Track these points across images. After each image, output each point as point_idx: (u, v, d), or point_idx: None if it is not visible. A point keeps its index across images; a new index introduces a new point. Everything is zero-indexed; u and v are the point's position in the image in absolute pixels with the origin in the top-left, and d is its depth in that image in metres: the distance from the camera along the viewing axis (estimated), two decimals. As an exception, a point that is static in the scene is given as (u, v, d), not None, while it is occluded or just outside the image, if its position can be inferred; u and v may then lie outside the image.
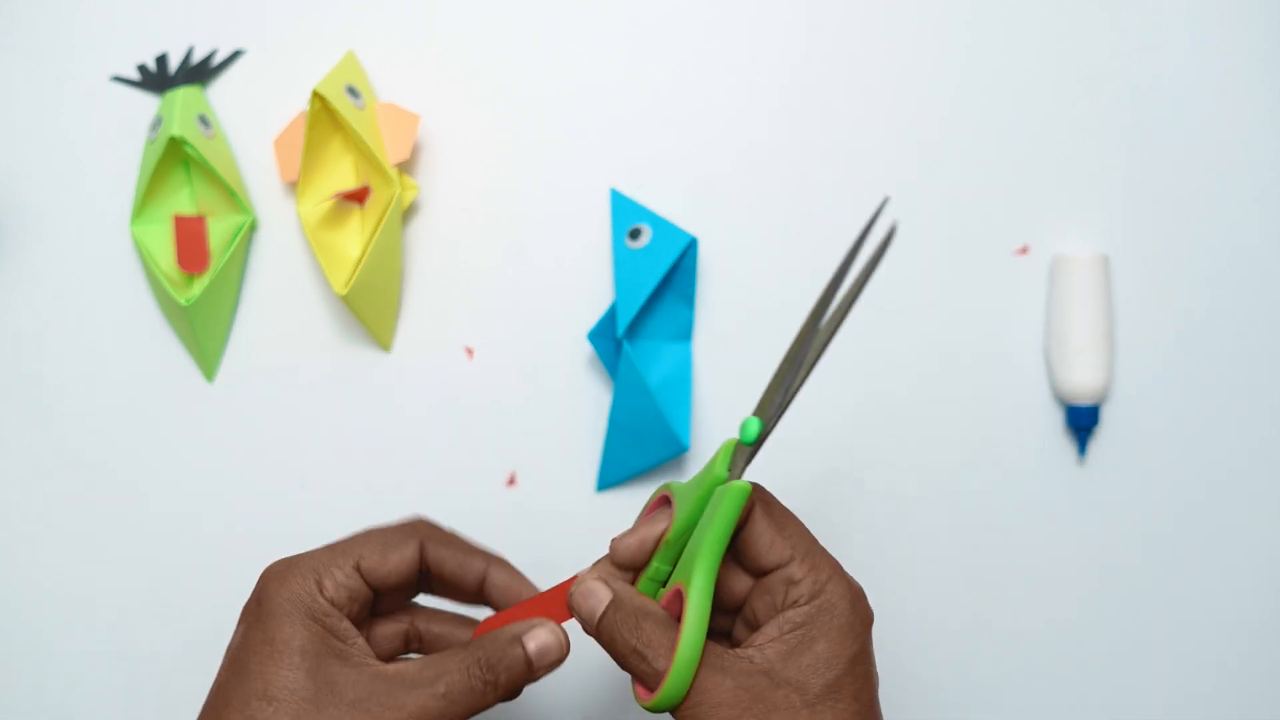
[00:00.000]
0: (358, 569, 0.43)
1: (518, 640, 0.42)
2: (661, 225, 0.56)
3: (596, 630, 0.41)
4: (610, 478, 0.58)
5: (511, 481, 0.58)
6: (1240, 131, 0.58)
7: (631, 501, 0.58)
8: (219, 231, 0.57)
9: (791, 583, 0.40)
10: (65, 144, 0.59)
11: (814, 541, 0.42)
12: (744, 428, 0.42)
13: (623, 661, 0.40)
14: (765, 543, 0.41)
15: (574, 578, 0.43)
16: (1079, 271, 0.56)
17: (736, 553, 0.42)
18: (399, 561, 0.43)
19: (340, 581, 0.42)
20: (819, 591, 0.40)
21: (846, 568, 0.42)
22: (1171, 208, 0.58)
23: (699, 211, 0.58)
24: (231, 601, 0.57)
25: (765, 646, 0.40)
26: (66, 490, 0.59)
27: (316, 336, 0.59)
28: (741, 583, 0.42)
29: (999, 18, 0.59)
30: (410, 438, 0.58)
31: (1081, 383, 0.56)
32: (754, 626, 0.42)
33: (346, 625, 0.42)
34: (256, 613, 0.42)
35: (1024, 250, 0.58)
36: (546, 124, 0.59)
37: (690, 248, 0.55)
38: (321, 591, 0.41)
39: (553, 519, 0.58)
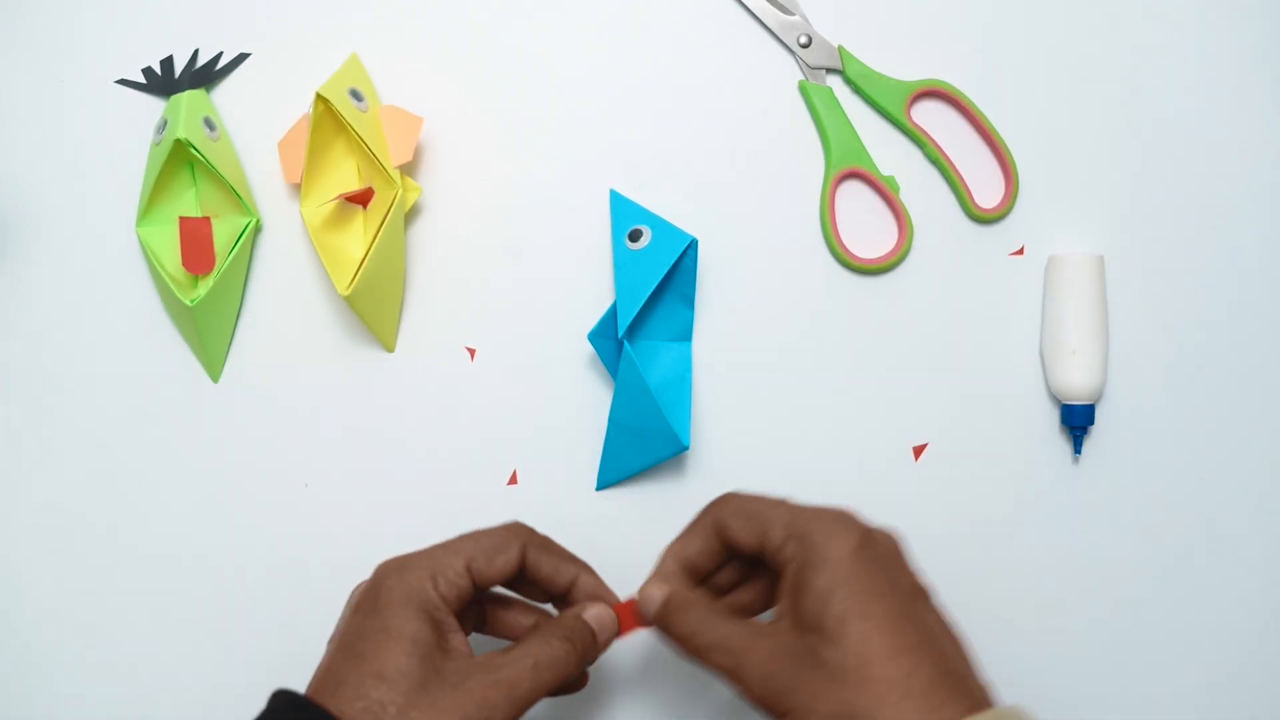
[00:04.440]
0: (468, 570, 0.46)
1: (579, 616, 0.47)
2: (661, 226, 0.56)
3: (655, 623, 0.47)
4: (610, 477, 0.58)
5: (513, 480, 0.58)
6: (1236, 132, 0.59)
7: (631, 500, 0.58)
8: (223, 233, 0.57)
9: (780, 555, 0.44)
10: (71, 147, 0.60)
11: (782, 505, 0.46)
12: None
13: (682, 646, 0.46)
14: (750, 529, 0.46)
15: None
16: (1073, 272, 0.57)
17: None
18: (504, 564, 0.47)
19: (451, 580, 0.45)
20: (802, 542, 0.43)
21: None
22: (1167, 208, 0.59)
23: (699, 211, 0.58)
24: (235, 600, 0.58)
25: (782, 612, 0.44)
26: (72, 490, 0.59)
27: (320, 337, 0.59)
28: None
29: (996, 21, 0.59)
30: (413, 437, 0.59)
31: (1076, 382, 0.57)
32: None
33: (451, 620, 0.45)
34: (374, 602, 0.45)
35: (1020, 251, 0.59)
36: (548, 125, 0.59)
37: (690, 248, 0.56)
38: (435, 587, 0.45)
39: (553, 517, 0.58)
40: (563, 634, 0.46)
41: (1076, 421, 0.57)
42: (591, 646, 0.47)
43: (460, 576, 0.46)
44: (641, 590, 0.48)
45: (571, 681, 0.49)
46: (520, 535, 0.48)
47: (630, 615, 0.49)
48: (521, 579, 0.49)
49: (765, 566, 0.47)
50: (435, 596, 0.45)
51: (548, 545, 0.49)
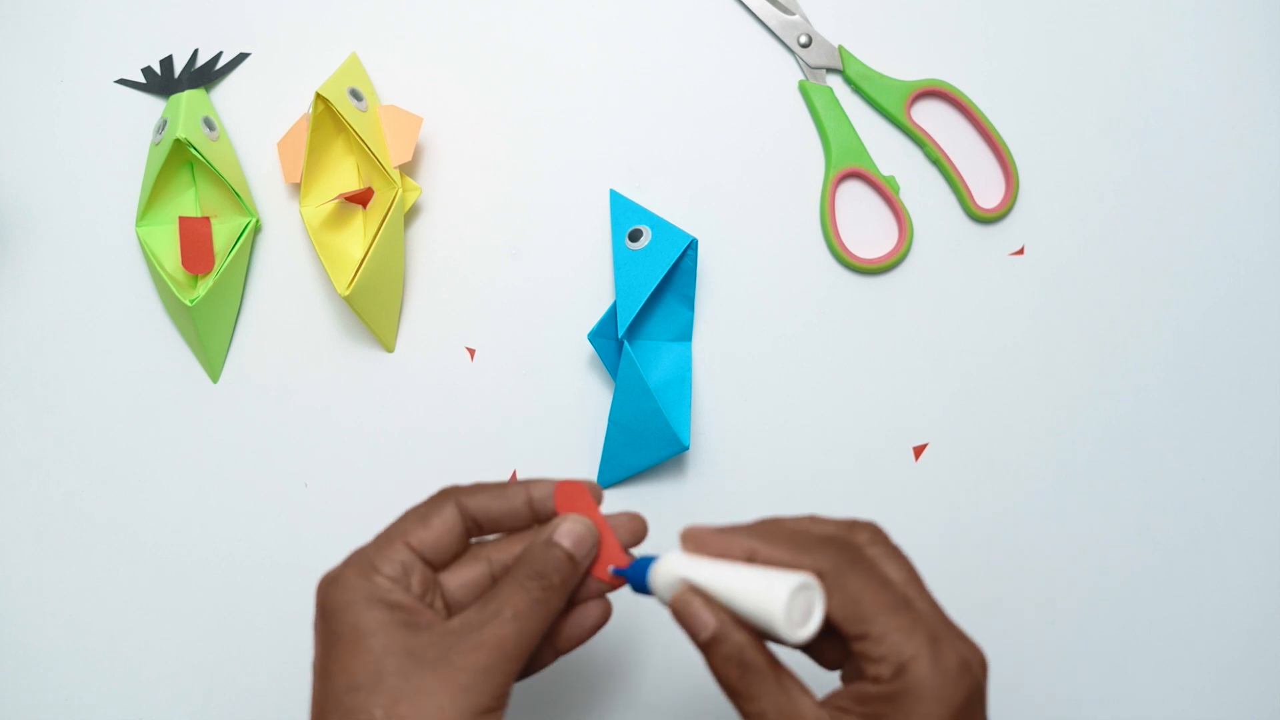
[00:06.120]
0: (407, 545, 0.43)
1: (551, 542, 0.42)
2: (661, 226, 0.56)
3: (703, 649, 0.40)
4: (610, 477, 0.58)
5: (513, 480, 0.58)
6: (1236, 132, 0.59)
7: (631, 501, 0.58)
8: (223, 233, 0.58)
9: (868, 659, 0.38)
10: (71, 147, 0.60)
11: (906, 605, 0.39)
12: None
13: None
14: (846, 610, 0.39)
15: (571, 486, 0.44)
16: None
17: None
18: (441, 524, 0.44)
19: (392, 558, 0.42)
20: (900, 672, 0.37)
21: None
22: (1166, 208, 0.59)
23: (699, 211, 0.59)
24: (235, 600, 0.58)
25: (838, 716, 0.38)
26: (71, 490, 0.59)
27: (320, 337, 0.59)
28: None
29: (996, 21, 0.60)
30: (412, 437, 0.59)
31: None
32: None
33: (410, 598, 0.42)
34: (323, 618, 0.42)
35: (1020, 251, 0.59)
36: (548, 126, 0.59)
37: (690, 248, 0.56)
38: (378, 572, 0.42)
39: (553, 517, 0.58)
40: (533, 570, 0.42)
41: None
42: (570, 569, 0.42)
43: (399, 552, 0.43)
44: (683, 607, 0.40)
45: (592, 617, 0.45)
46: (449, 492, 0.45)
47: (585, 498, 0.44)
48: (486, 531, 0.45)
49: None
50: (382, 581, 0.42)
51: (481, 486, 0.45)
